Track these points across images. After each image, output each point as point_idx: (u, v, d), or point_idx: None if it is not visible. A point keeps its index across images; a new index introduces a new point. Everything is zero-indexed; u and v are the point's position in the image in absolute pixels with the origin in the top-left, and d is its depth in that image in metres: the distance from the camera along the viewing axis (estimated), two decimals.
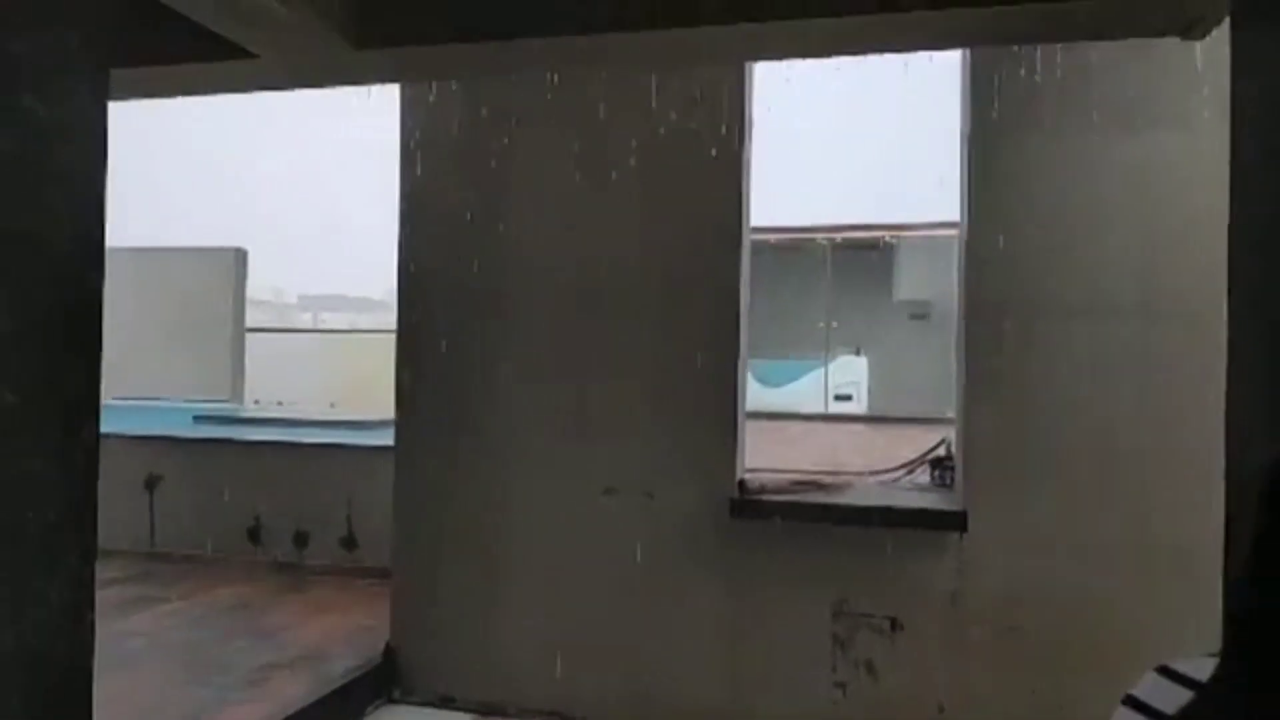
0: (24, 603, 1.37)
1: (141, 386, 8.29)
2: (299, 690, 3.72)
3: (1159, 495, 3.44)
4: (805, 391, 14.21)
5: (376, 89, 3.88)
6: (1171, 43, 2.73)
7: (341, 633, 4.45)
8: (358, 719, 3.87)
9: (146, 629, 4.47)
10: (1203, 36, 2.53)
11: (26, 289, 1.38)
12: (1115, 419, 3.49)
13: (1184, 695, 0.97)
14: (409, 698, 4.07)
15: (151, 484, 6.01)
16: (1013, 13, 2.52)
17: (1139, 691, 1.06)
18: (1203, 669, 1.00)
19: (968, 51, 3.71)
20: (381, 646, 4.12)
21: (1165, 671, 1.05)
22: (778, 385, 13.73)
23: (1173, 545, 3.40)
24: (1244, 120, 1.69)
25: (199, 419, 8.39)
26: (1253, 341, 2.03)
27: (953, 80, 3.89)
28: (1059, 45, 3.47)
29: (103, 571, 1.47)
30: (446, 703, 4.02)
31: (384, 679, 4.07)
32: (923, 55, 3.29)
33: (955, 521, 3.60)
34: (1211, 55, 3.09)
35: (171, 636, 4.46)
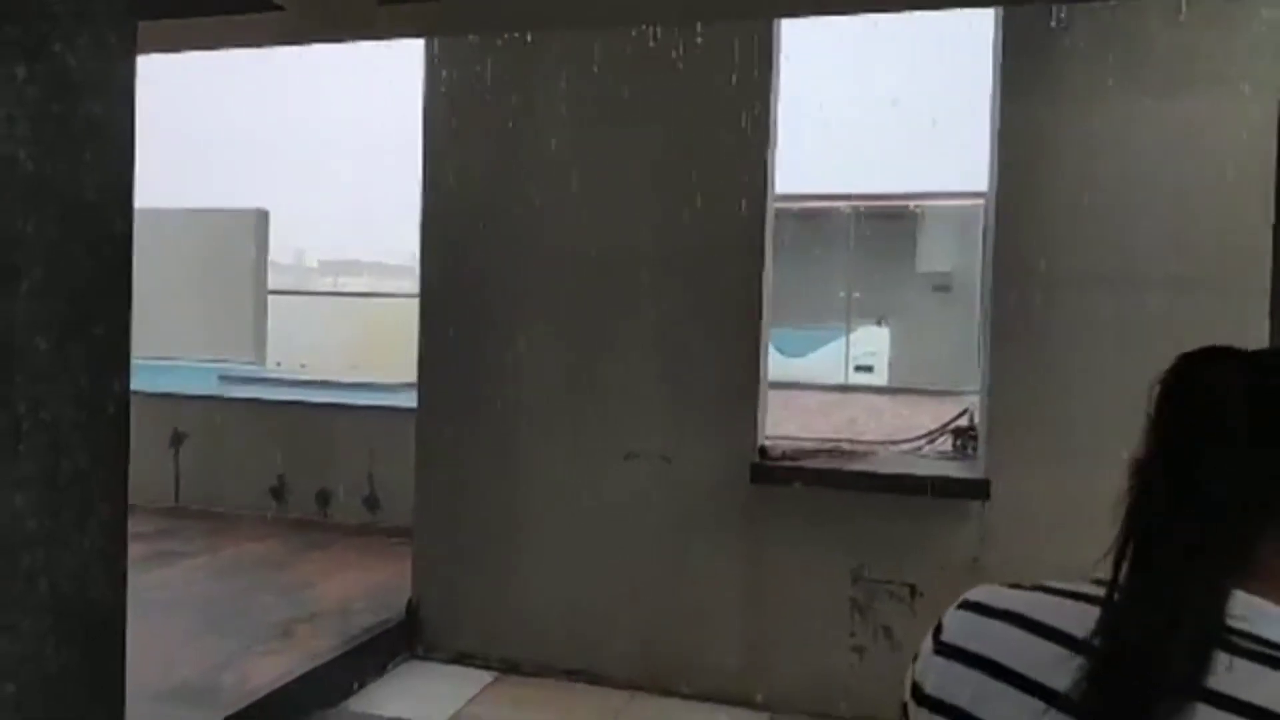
0: (57, 548, 1.39)
1: (166, 346, 8.38)
2: (323, 644, 3.78)
3: None
4: (825, 362, 14.16)
5: (404, 54, 3.86)
6: (1211, 2, 2.65)
7: (364, 590, 4.51)
8: (380, 674, 3.94)
9: (172, 582, 4.56)
10: None
11: (58, 237, 1.38)
12: (1142, 390, 3.43)
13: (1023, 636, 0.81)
14: (431, 654, 4.13)
15: (177, 441, 6.10)
16: None
17: (957, 637, 0.87)
18: (1008, 599, 0.86)
19: (999, 12, 3.63)
20: (404, 604, 4.18)
21: (978, 608, 0.87)
22: (797, 355, 13.68)
23: None
24: None
25: (223, 379, 8.47)
26: None
27: (983, 44, 3.81)
28: (1093, 5, 3.38)
29: (129, 526, 1.49)
30: (467, 659, 4.08)
31: (406, 635, 4.13)
32: (953, 18, 3.22)
33: (978, 490, 3.59)
34: (1253, 14, 3.01)
35: (197, 590, 4.55)
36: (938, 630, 0.89)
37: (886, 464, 3.92)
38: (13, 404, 1.24)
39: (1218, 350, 0.89)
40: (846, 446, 4.20)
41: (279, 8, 2.56)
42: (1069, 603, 0.82)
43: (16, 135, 1.27)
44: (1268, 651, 0.73)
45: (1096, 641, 0.76)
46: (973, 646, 0.85)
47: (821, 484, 3.75)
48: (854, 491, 3.72)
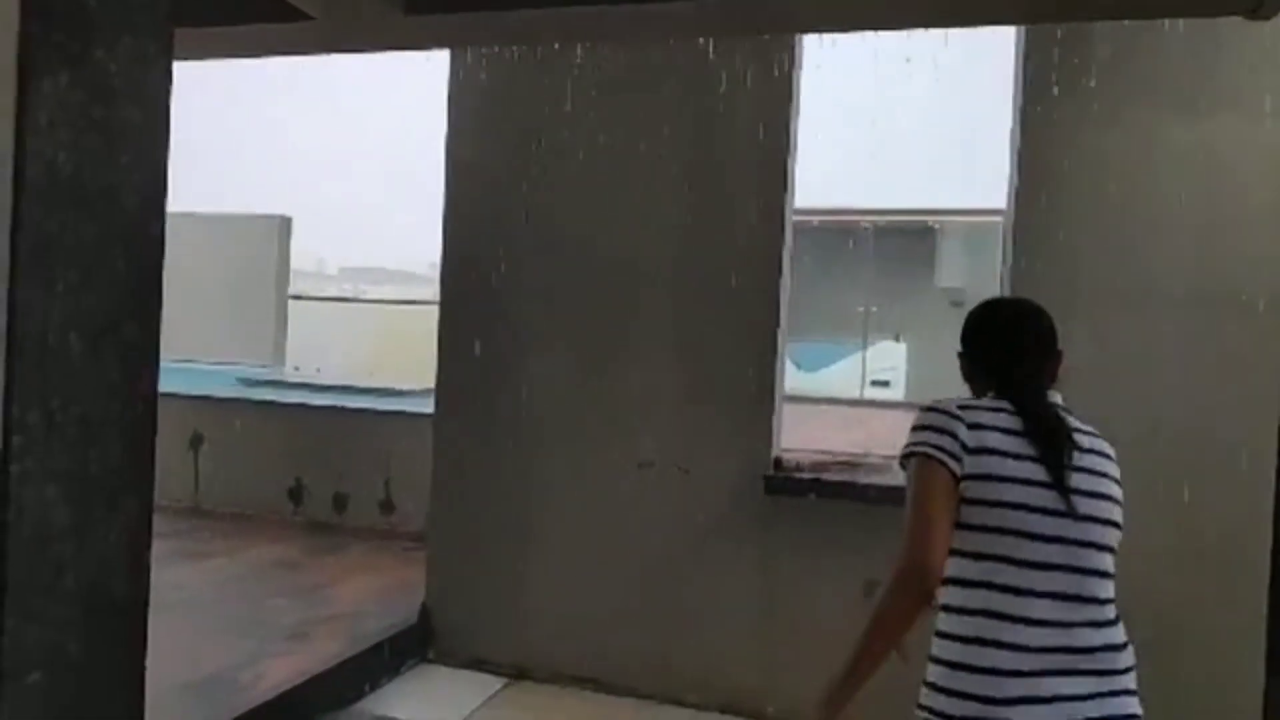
0: (86, 540, 1.42)
1: (187, 348, 8.48)
2: (337, 646, 3.81)
3: (1204, 485, 3.39)
4: (841, 376, 14.12)
5: (428, 65, 3.91)
6: (1235, 23, 2.65)
7: (378, 593, 4.54)
8: (393, 676, 3.96)
9: (188, 583, 4.60)
10: (1271, 16, 2.46)
11: (94, 238, 1.41)
12: (1162, 408, 3.43)
13: None
14: (443, 658, 4.15)
15: (196, 443, 6.16)
16: None
17: (974, 419, 1.70)
18: (978, 403, 1.77)
19: (1021, 31, 3.64)
20: (417, 608, 4.20)
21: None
22: (813, 369, 13.66)
23: (1216, 537, 3.35)
24: None
25: (243, 382, 8.55)
26: None
27: (1004, 61, 3.82)
28: (1112, 25, 3.39)
29: None
30: (479, 665, 4.09)
31: (420, 639, 4.15)
32: (974, 34, 3.23)
33: None
34: (1270, 36, 3.01)
35: (214, 590, 4.59)
36: (957, 419, 1.68)
37: (900, 478, 3.90)
38: (47, 399, 1.28)
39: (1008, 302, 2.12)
40: (862, 459, 4.20)
41: (309, 18, 2.61)
42: (994, 401, 1.74)
43: (57, 139, 1.31)
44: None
45: (1034, 424, 1.69)
46: (985, 421, 1.68)
47: (836, 496, 3.75)
48: (868, 504, 3.72)
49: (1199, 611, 3.31)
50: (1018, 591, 1.59)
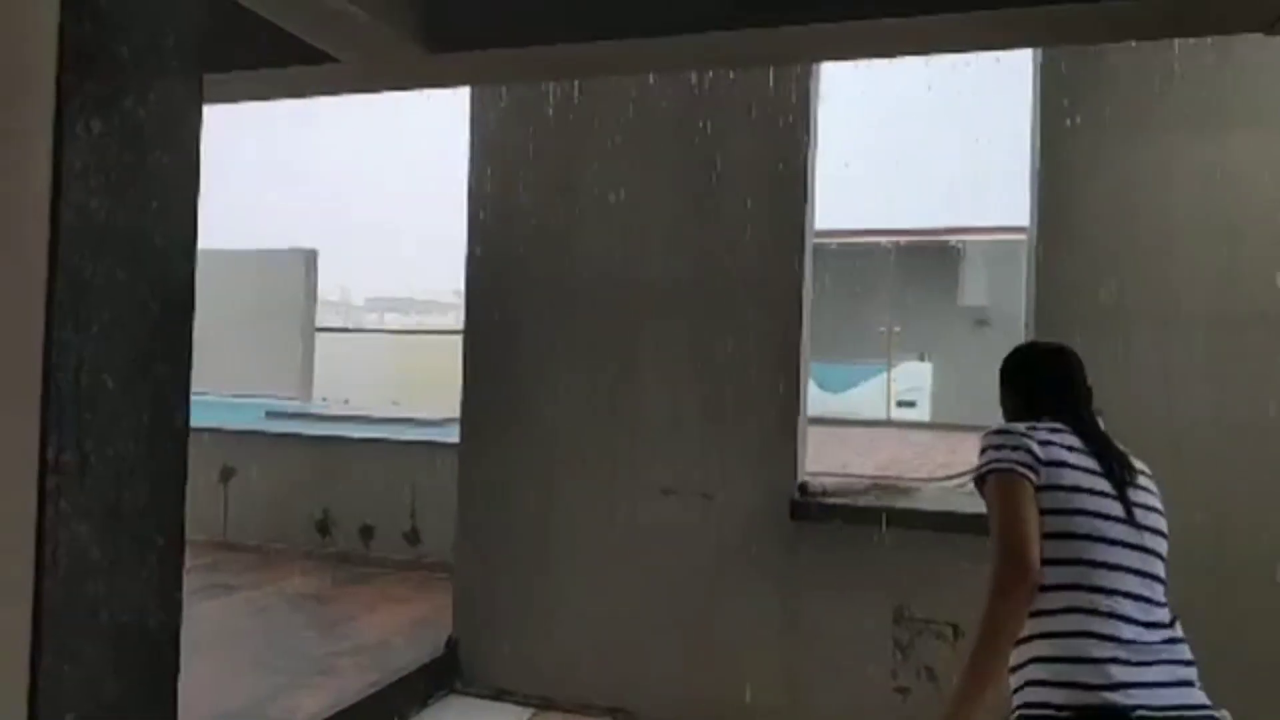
0: (119, 578, 1.43)
1: (216, 382, 8.57)
2: (364, 679, 3.81)
3: (1232, 502, 3.33)
4: (866, 397, 14.04)
5: (448, 94, 3.97)
6: (1254, 39, 2.64)
7: (405, 624, 4.55)
8: (421, 708, 3.95)
9: (218, 616, 4.63)
10: None
11: (126, 281, 1.44)
12: (1187, 426, 3.38)
13: None
14: (470, 689, 4.14)
15: (226, 476, 6.22)
16: (1084, 11, 2.47)
17: (1043, 436, 1.87)
18: (1043, 424, 1.93)
19: (1039, 52, 3.65)
20: (443, 639, 4.20)
21: None
22: (838, 390, 13.58)
23: (1244, 553, 3.30)
24: None
25: (271, 414, 8.63)
26: None
27: (1023, 81, 3.83)
28: (1135, 43, 3.38)
29: None
30: (506, 695, 4.08)
31: (446, 670, 4.15)
32: (992, 56, 3.24)
33: None
34: None
35: (244, 623, 4.62)
36: (1028, 437, 1.83)
37: (929, 501, 3.87)
38: (82, 440, 1.30)
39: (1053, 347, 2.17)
40: (888, 483, 4.16)
41: (334, 60, 2.66)
42: (1051, 423, 1.91)
43: (90, 185, 1.34)
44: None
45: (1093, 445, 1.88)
46: (1052, 439, 1.84)
47: (863, 521, 3.72)
48: (896, 529, 3.69)
49: (1228, 625, 3.24)
50: (1102, 590, 1.71)
